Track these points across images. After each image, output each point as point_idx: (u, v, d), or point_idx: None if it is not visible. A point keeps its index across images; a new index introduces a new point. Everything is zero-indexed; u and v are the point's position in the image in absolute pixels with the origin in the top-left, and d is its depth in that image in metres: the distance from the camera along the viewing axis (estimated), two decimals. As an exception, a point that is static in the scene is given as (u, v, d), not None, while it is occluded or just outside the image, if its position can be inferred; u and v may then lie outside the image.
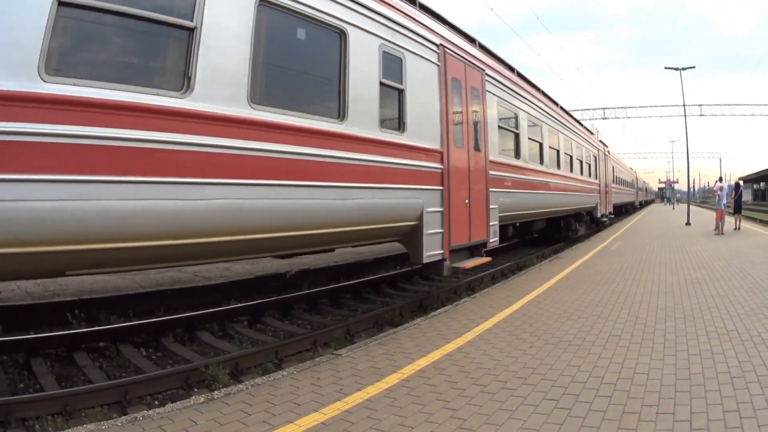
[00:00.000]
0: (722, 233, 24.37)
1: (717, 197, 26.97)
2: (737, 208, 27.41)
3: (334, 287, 12.69)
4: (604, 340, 7.24)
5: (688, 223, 32.32)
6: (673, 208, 68.50)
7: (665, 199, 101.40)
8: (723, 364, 5.95)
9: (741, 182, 31.82)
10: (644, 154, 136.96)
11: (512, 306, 9.70)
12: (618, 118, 71.23)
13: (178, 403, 5.44)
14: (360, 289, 13.14)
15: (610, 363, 6.25)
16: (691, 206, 36.90)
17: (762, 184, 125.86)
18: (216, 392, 5.68)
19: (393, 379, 5.89)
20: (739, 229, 26.02)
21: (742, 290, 10.26)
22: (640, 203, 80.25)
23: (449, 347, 7.12)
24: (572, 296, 10.43)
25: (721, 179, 31.78)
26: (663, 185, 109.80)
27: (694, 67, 35.00)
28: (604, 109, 70.72)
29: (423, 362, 6.48)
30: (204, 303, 10.49)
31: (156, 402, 6.33)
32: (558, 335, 7.57)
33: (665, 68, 35.63)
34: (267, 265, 15.53)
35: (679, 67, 34.80)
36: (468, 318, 8.85)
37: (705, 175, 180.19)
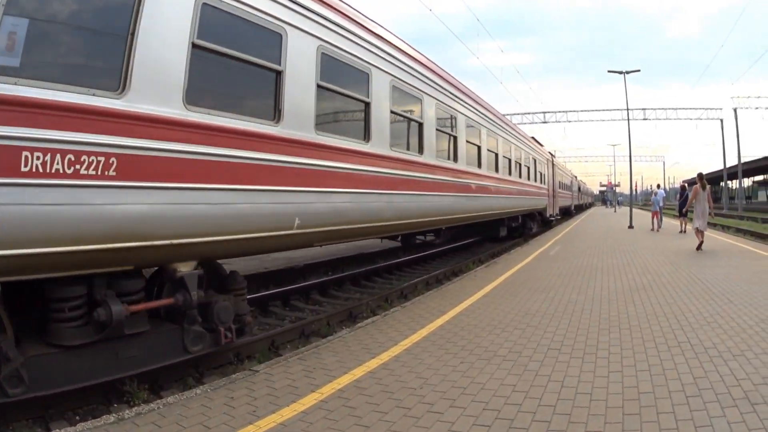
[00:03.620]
0: (657, 231, 30.01)
1: (653, 201, 34.41)
2: (682, 211, 27.88)
3: (262, 295, 12.51)
4: (543, 354, 7.00)
5: (630, 226, 33.21)
6: (615, 211, 70.28)
7: (607, 202, 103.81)
8: (676, 381, 5.72)
9: (686, 185, 32.48)
10: (585, 158, 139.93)
11: (444, 316, 9.48)
12: (559, 122, 73.21)
13: (89, 422, 5.44)
14: (289, 296, 13.08)
15: (548, 381, 5.98)
16: (633, 209, 37.55)
17: (708, 187, 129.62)
18: (127, 411, 5.64)
19: (310, 400, 5.69)
20: (684, 231, 26.60)
21: (693, 297, 10.23)
22: (566, 210, 55.54)
23: (373, 363, 6.90)
24: (508, 305, 10.22)
25: (659, 186, 38.98)
26: (604, 188, 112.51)
27: (638, 70, 35.62)
28: (544, 113, 72.62)
29: (344, 380, 6.29)
30: None
31: (77, 417, 6.30)
32: (492, 349, 7.33)
33: (608, 71, 36.32)
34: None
35: (623, 71, 35.47)
36: (396, 330, 8.66)
37: (648, 179, 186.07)
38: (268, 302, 12.36)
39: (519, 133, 27.55)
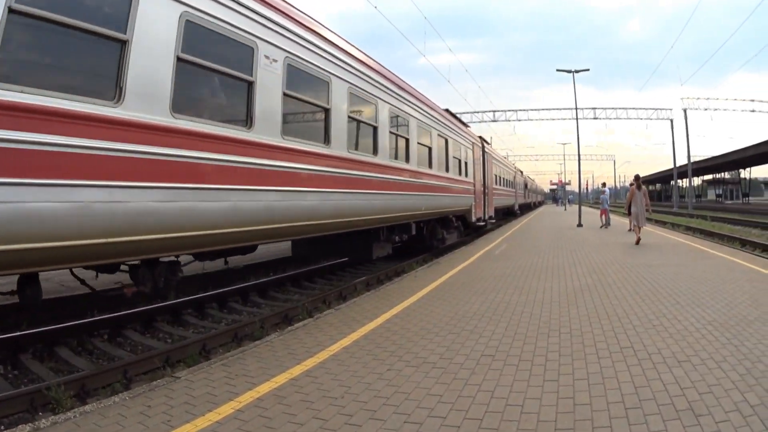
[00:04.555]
0: (607, 227, 31.67)
1: (601, 200, 36.21)
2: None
3: (199, 297, 12.37)
4: (475, 361, 6.67)
5: (579, 225, 33.45)
6: (565, 209, 71.21)
7: (558, 201, 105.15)
8: (615, 391, 5.41)
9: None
10: (536, 156, 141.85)
11: (377, 319, 9.22)
12: (509, 120, 74.33)
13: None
14: (226, 298, 12.94)
15: (478, 391, 5.64)
16: (583, 207, 37.91)
17: (658, 185, 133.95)
18: (43, 421, 5.48)
19: (227, 409, 5.50)
20: (633, 230, 26.69)
21: (639, 297, 10.04)
22: (508, 210, 49.69)
23: (297, 370, 6.67)
24: (445, 307, 9.93)
25: (604, 184, 39.72)
26: (554, 187, 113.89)
27: (588, 69, 35.86)
28: (494, 112, 73.73)
29: (264, 388, 6.07)
30: (67, 315, 10.20)
31: (2, 426, 6.18)
32: (422, 355, 7.03)
33: (557, 70, 36.44)
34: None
35: (572, 70, 35.82)
36: (326, 333, 8.43)
37: (599, 177, 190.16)
38: (205, 304, 12.13)
39: (412, 95, 17.93)
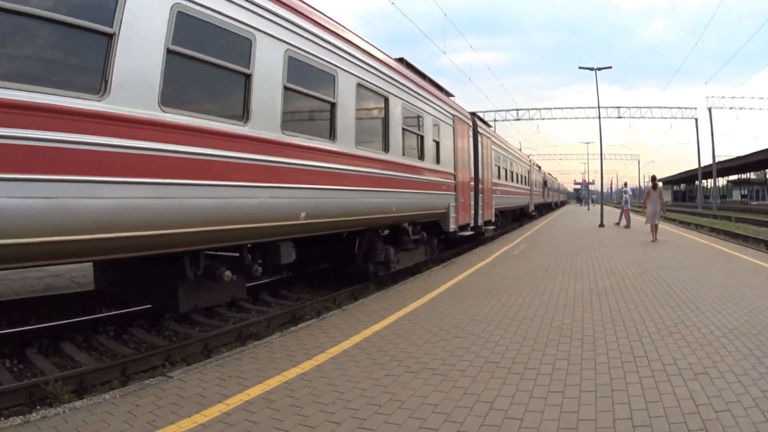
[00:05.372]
0: (628, 227, 31.99)
1: (623, 200, 36.99)
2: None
3: None
4: (478, 368, 6.35)
5: (601, 225, 33.13)
6: (588, 209, 70.46)
7: (582, 200, 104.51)
8: (624, 406, 5.00)
9: (659, 184, 32.44)
10: (561, 155, 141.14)
11: (383, 321, 8.99)
12: (532, 119, 73.85)
13: (-5, 422, 5.41)
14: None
15: (476, 401, 5.32)
16: (606, 207, 37.48)
17: (682, 185, 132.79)
18: (34, 414, 5.50)
19: (214, 412, 5.35)
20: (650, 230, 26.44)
21: (656, 302, 9.64)
22: (520, 211, 42.90)
23: (292, 373, 6.48)
24: (455, 309, 9.63)
25: (626, 184, 40.77)
26: (578, 186, 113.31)
27: (610, 67, 35.15)
28: (517, 110, 73.33)
29: (255, 391, 5.91)
30: (74, 311, 10.42)
31: (1, 418, 6.20)
32: (424, 360, 6.76)
33: (580, 68, 35.72)
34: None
35: (595, 67, 35.00)
36: (328, 335, 8.19)
37: (623, 177, 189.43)
38: (215, 306, 11.90)
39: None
